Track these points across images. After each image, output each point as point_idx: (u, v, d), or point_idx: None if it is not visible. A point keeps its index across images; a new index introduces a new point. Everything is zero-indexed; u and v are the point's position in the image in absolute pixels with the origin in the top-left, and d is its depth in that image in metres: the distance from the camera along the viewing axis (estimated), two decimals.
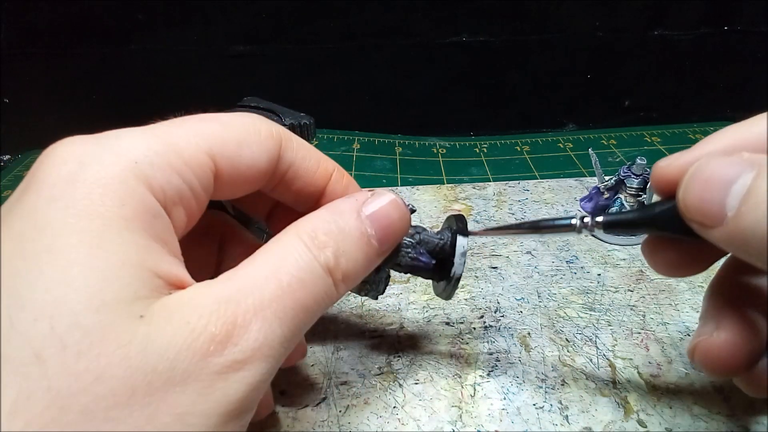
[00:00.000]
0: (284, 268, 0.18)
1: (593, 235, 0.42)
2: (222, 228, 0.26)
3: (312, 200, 0.25)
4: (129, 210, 0.16)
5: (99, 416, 0.13)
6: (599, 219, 0.22)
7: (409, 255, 0.25)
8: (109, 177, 0.16)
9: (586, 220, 0.22)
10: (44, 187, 0.16)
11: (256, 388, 0.16)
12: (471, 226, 0.45)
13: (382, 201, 0.22)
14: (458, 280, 0.25)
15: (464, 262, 0.25)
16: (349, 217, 0.21)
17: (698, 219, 0.18)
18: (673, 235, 0.20)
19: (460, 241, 0.25)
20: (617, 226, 0.22)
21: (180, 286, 0.17)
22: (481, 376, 0.30)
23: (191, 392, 0.15)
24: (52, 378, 0.13)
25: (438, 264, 0.26)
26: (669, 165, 0.20)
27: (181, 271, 0.18)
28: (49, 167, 0.16)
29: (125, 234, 0.16)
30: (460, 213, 0.27)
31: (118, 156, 0.17)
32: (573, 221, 0.22)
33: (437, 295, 0.27)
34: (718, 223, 0.18)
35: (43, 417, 0.13)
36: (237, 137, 0.20)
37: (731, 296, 0.22)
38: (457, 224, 0.26)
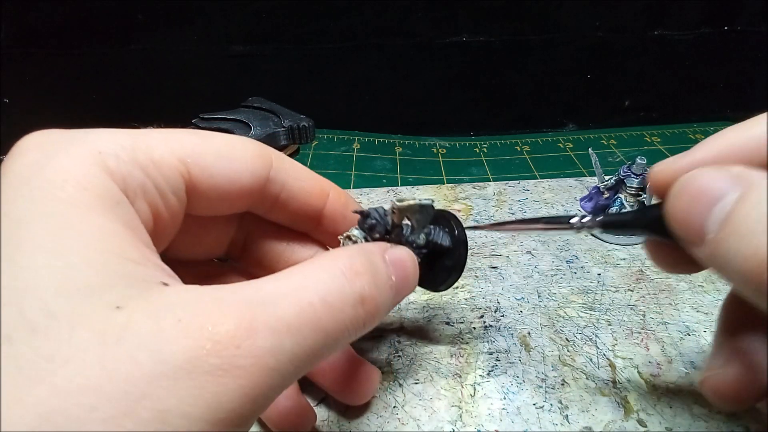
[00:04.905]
0: (312, 287, 0.17)
1: (593, 234, 0.42)
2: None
3: (311, 221, 0.25)
4: (91, 195, 0.16)
5: (71, 399, 0.13)
6: (598, 219, 0.22)
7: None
8: (71, 164, 0.16)
9: (585, 219, 0.23)
10: (9, 175, 0.16)
11: (253, 401, 0.14)
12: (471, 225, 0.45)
13: (401, 251, 0.22)
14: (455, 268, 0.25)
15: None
16: (378, 257, 0.20)
17: (680, 234, 0.18)
18: (667, 239, 0.20)
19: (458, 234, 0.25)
20: (614, 227, 0.22)
21: (157, 274, 0.16)
22: (481, 375, 0.30)
23: (178, 389, 0.13)
24: (21, 359, 0.13)
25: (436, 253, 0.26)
26: (663, 170, 0.20)
27: (154, 259, 0.17)
28: (15, 156, 0.17)
29: (89, 218, 0.15)
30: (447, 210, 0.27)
31: (82, 146, 0.17)
32: (572, 220, 0.23)
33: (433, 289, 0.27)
34: (698, 242, 0.17)
35: (13, 394, 0.12)
36: (218, 151, 0.20)
37: (739, 327, 0.22)
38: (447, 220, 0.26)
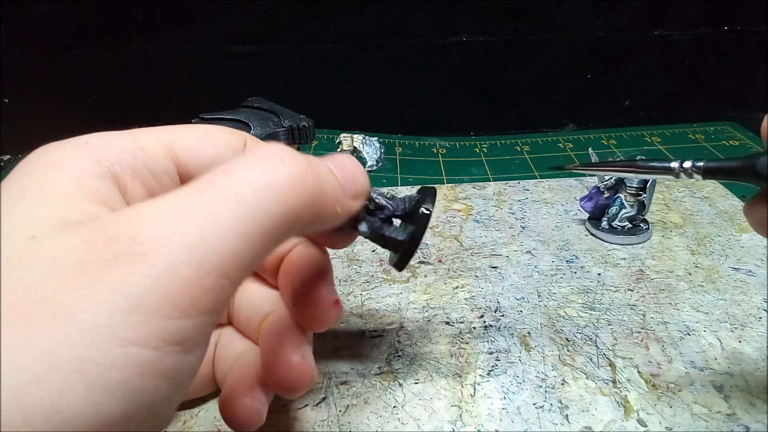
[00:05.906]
0: (214, 176, 0.17)
1: (592, 234, 0.42)
2: None
3: None
4: (65, 172, 0.17)
5: None
6: (700, 164, 0.22)
7: (379, 199, 0.24)
8: (58, 153, 0.18)
9: (686, 165, 0.22)
10: (11, 173, 0.18)
11: (165, 283, 0.14)
12: (470, 226, 0.45)
13: (338, 155, 0.22)
14: (411, 248, 0.24)
15: (422, 231, 0.24)
16: (312, 158, 0.20)
17: None
18: None
19: (422, 209, 0.24)
20: (718, 173, 0.22)
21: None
22: (481, 375, 0.30)
23: (73, 286, 0.13)
24: None
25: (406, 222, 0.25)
26: None
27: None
28: (21, 162, 0.18)
29: (54, 186, 0.17)
30: (434, 187, 0.25)
31: (73, 142, 0.19)
32: (672, 164, 0.22)
33: (392, 265, 0.25)
34: None
35: None
36: (197, 134, 0.22)
37: None
38: (425, 194, 0.25)
